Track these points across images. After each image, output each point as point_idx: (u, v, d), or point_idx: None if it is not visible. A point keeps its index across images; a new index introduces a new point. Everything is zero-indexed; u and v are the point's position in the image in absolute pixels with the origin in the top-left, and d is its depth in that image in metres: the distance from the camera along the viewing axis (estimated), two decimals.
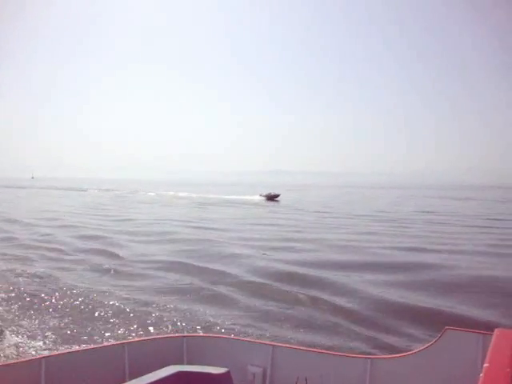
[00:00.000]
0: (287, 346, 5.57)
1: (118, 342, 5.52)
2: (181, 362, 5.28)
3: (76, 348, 8.58)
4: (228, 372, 4.28)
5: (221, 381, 4.23)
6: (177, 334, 6.09)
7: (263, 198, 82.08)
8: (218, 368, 4.36)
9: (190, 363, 5.31)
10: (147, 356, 5.15)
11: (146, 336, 8.81)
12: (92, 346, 7.48)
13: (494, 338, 2.90)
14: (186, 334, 5.86)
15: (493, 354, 2.53)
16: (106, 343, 8.33)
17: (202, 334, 6.66)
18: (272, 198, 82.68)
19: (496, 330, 3.12)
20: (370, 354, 7.74)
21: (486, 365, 2.28)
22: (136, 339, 5.93)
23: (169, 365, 4.48)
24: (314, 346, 8.97)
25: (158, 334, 9.89)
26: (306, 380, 4.82)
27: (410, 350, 4.95)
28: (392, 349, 9.02)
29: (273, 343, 5.48)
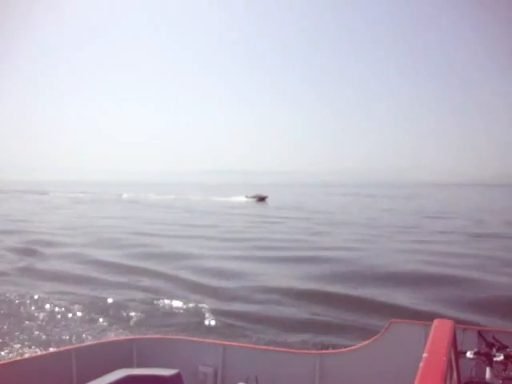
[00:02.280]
0: (238, 344, 5.58)
1: (65, 348, 5.36)
2: (130, 366, 5.18)
3: (20, 356, 8.26)
4: (178, 373, 4.25)
5: (171, 383, 4.19)
6: (126, 337, 5.98)
7: (251, 200, 78.21)
8: (168, 370, 4.32)
9: (139, 366, 5.22)
10: (95, 361, 5.02)
11: (95, 340, 8.59)
12: (37, 353, 7.22)
13: (432, 328, 3.02)
14: (135, 337, 5.76)
15: (431, 344, 2.64)
16: (51, 350, 8.06)
17: (151, 336, 6.55)
18: (260, 199, 78.53)
19: (435, 320, 3.25)
20: (320, 349, 7.88)
21: (424, 355, 2.37)
22: (83, 344, 5.76)
23: (118, 369, 4.40)
24: (266, 344, 9.04)
25: (106, 338, 9.70)
26: (257, 378, 4.85)
27: (358, 344, 5.08)
28: None
29: (224, 342, 5.48)
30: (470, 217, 46.57)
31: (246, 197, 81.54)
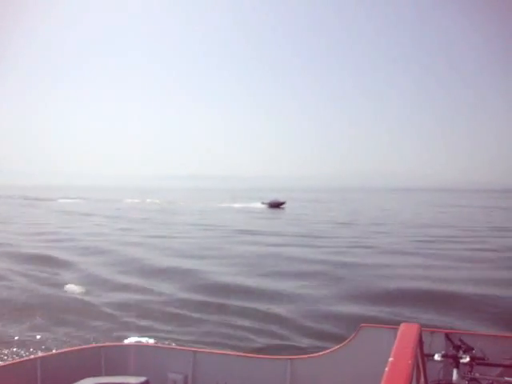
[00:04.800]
0: (208, 351, 5.55)
1: (30, 357, 5.22)
2: (99, 374, 5.09)
3: None
4: (147, 381, 4.19)
5: None
6: (94, 345, 5.86)
7: (265, 206, 73.76)
8: (137, 378, 4.25)
9: (108, 374, 5.12)
10: (62, 370, 4.90)
11: (61, 348, 8.39)
12: (0, 363, 7.00)
13: (399, 332, 3.06)
14: (103, 344, 5.65)
15: (397, 347, 2.68)
16: (16, 359, 7.83)
17: (120, 343, 6.45)
18: (276, 205, 73.85)
19: (401, 324, 3.30)
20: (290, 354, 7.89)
21: (390, 359, 2.41)
22: (49, 353, 5.61)
23: (86, 378, 4.30)
24: (236, 350, 9.00)
25: (73, 345, 9.48)
26: None
27: (329, 349, 5.10)
28: None
29: (194, 349, 5.43)
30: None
31: (263, 203, 76.38)
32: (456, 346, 4.26)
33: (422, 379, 3.17)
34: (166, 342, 9.26)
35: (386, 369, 2.29)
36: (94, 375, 4.70)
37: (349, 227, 39.55)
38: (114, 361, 5.28)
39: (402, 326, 3.23)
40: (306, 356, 5.20)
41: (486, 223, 43.26)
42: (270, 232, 34.80)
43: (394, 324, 4.61)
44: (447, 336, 4.61)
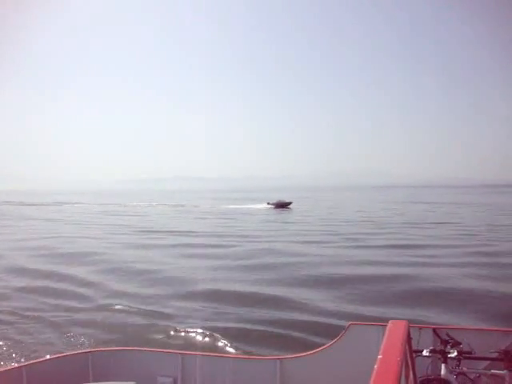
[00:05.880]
0: (197, 353, 5.53)
1: (15, 366, 5.14)
2: (86, 380, 5.04)
3: None
4: None
5: None
6: (81, 351, 5.80)
7: (271, 207, 73.24)
8: (126, 382, 4.21)
9: (96, 380, 5.08)
10: (49, 378, 4.84)
11: (47, 356, 8.28)
12: None
13: (387, 329, 3.09)
14: (91, 350, 5.59)
15: (386, 345, 2.70)
16: (0, 368, 7.71)
17: (108, 347, 6.39)
18: (282, 206, 73.66)
19: (390, 321, 3.32)
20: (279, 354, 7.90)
21: (379, 356, 2.43)
22: (35, 360, 5.52)
23: None
24: (224, 351, 8.98)
25: (60, 351, 9.36)
26: None
27: (317, 348, 5.11)
28: None
29: (182, 352, 5.41)
30: None
31: (268, 204, 75.57)
32: (444, 340, 4.31)
33: (411, 375, 3.20)
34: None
35: (375, 366, 2.30)
36: (82, 382, 4.65)
37: (272, 226, 41.72)
38: (102, 366, 5.23)
39: (390, 323, 3.26)
40: (295, 356, 5.20)
41: (404, 219, 45.01)
42: (175, 231, 36.38)
43: (382, 321, 4.66)
44: (435, 331, 4.67)
